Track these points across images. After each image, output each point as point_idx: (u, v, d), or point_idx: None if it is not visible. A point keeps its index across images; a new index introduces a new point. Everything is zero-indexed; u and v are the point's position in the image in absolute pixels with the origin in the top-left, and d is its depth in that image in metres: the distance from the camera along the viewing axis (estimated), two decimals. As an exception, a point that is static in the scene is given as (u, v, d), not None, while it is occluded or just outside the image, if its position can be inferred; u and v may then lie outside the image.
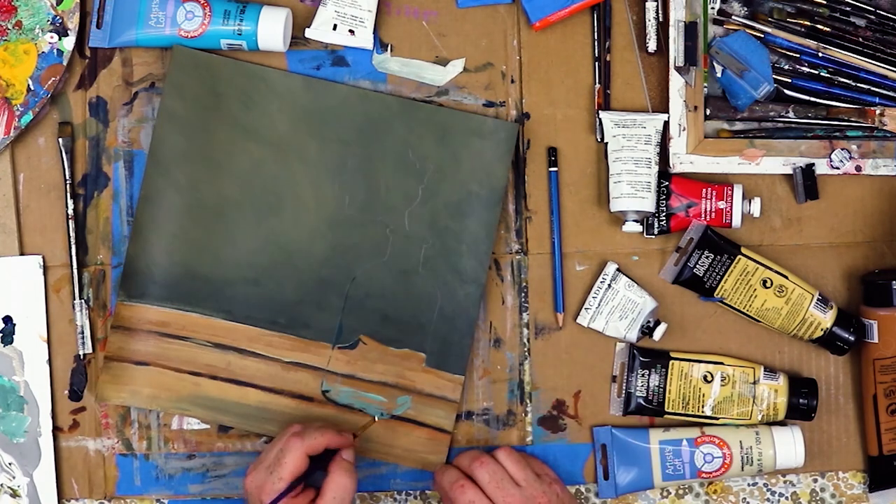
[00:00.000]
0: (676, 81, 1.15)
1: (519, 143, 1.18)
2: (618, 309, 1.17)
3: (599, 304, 1.17)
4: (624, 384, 1.18)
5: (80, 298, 1.17)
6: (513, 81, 1.19)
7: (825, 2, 1.17)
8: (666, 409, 1.17)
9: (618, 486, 1.17)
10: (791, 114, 1.17)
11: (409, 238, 1.17)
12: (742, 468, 1.16)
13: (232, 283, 1.16)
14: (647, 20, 1.17)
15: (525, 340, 1.19)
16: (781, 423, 1.17)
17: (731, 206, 1.16)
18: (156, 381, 1.16)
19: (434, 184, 1.16)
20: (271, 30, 1.14)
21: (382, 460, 1.18)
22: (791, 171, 1.17)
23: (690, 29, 1.15)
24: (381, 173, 1.16)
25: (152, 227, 1.16)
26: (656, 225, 1.17)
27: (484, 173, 1.16)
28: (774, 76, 1.16)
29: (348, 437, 1.09)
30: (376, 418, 1.14)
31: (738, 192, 1.16)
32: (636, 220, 1.15)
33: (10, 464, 1.17)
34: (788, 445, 1.15)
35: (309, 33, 1.16)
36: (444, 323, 1.16)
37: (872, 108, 1.16)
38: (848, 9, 1.17)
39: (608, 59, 1.18)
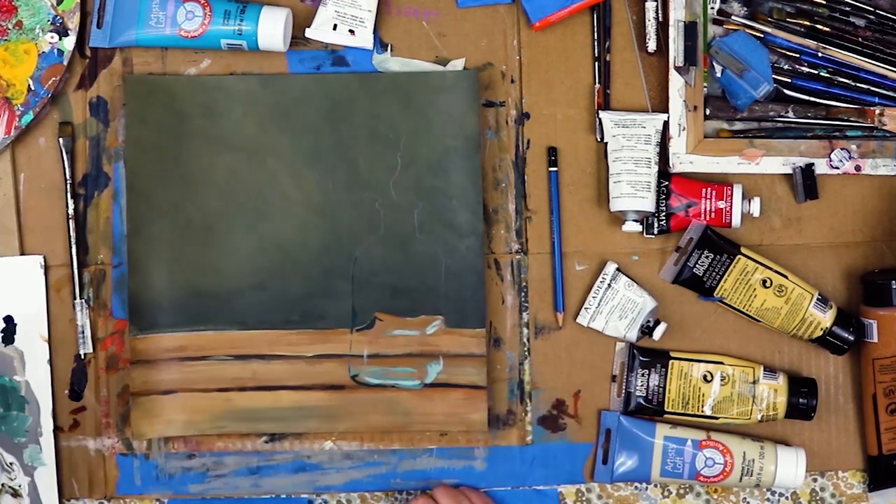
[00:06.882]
0: (676, 81, 1.15)
1: (521, 134, 1.18)
2: (617, 308, 1.17)
3: (599, 304, 1.17)
4: (624, 384, 1.18)
5: (81, 298, 1.18)
6: (513, 81, 1.19)
7: (825, 2, 1.17)
8: (666, 409, 1.17)
9: (614, 472, 1.17)
10: (791, 114, 1.17)
11: (399, 207, 1.17)
12: (740, 479, 1.15)
13: (238, 293, 1.16)
14: (646, 20, 1.17)
15: (525, 340, 1.19)
16: (787, 444, 1.17)
17: (731, 206, 1.16)
18: (187, 406, 1.16)
19: (410, 149, 1.17)
20: (271, 30, 1.14)
21: (426, 430, 1.18)
22: (791, 171, 1.17)
23: (690, 29, 1.15)
24: (357, 151, 1.17)
25: (147, 257, 1.16)
26: (656, 225, 1.17)
27: (456, 126, 1.16)
28: (774, 76, 1.16)
29: None
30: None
31: (737, 191, 1.16)
32: (636, 220, 1.15)
33: (11, 463, 1.17)
34: (790, 466, 1.15)
35: (309, 33, 1.16)
36: (453, 281, 1.16)
37: (872, 108, 1.16)
38: (848, 9, 1.17)
39: (608, 59, 1.18)
